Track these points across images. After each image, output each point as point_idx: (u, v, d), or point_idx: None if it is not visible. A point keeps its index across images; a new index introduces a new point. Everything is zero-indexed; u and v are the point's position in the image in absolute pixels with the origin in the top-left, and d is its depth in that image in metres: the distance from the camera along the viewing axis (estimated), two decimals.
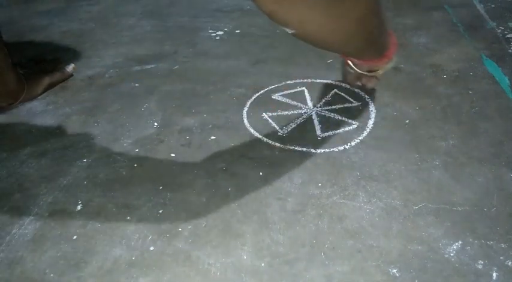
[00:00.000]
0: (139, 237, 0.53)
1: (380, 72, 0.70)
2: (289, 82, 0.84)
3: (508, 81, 0.78)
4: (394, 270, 0.47)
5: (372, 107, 0.75)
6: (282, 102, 0.78)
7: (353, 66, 0.70)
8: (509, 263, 0.47)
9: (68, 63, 0.92)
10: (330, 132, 0.69)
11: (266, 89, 0.82)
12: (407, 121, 0.70)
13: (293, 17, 0.40)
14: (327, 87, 0.81)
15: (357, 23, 0.45)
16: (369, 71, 0.70)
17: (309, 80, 0.84)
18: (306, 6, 0.38)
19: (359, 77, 0.74)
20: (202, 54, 0.96)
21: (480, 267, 0.47)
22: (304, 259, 0.49)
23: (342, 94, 0.79)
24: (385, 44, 0.62)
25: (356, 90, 0.80)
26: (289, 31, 0.43)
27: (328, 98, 0.78)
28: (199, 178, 0.62)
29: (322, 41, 0.48)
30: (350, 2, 0.41)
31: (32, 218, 0.58)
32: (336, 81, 0.83)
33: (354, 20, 0.44)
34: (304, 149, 0.66)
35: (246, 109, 0.77)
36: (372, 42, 0.56)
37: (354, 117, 0.72)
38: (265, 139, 0.69)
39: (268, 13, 0.39)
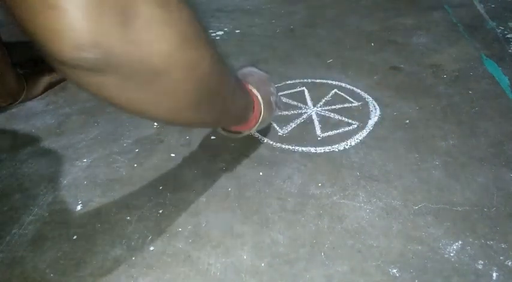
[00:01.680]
0: (139, 237, 0.53)
1: (246, 133, 0.63)
2: (289, 82, 0.84)
3: (508, 81, 0.78)
4: (394, 270, 0.47)
5: (372, 107, 0.75)
6: (282, 102, 0.78)
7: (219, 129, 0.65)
8: (509, 263, 0.47)
9: None
10: (330, 132, 0.69)
11: None
12: (407, 121, 0.70)
13: (93, 86, 0.30)
14: (327, 87, 0.81)
15: (189, 104, 0.37)
16: (235, 132, 0.64)
17: (309, 80, 0.84)
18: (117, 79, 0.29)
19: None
20: None
21: (480, 267, 0.47)
22: (304, 259, 0.49)
23: (342, 94, 0.79)
24: (242, 110, 0.54)
25: (356, 90, 0.80)
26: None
27: (328, 98, 0.78)
28: (199, 178, 0.62)
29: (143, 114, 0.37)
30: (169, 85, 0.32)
31: (32, 218, 0.58)
32: (336, 81, 0.83)
33: (184, 101, 0.36)
34: (304, 149, 0.66)
35: None
36: (220, 116, 0.48)
37: (354, 117, 0.72)
38: (265, 139, 0.69)
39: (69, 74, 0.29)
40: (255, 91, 0.57)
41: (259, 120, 0.59)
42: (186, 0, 0.31)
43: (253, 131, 0.63)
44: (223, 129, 0.64)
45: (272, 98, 0.61)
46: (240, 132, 0.63)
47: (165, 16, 0.28)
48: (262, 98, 0.58)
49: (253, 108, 0.57)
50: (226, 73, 0.42)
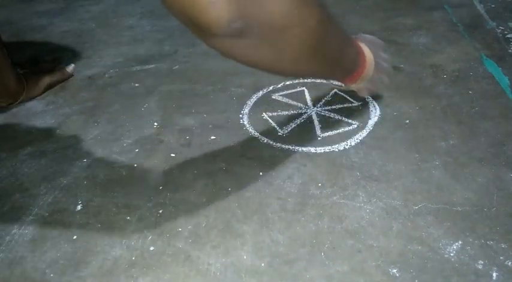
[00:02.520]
0: (139, 237, 0.53)
1: (357, 86, 0.65)
2: (289, 82, 0.84)
3: (508, 81, 0.78)
4: (394, 270, 0.47)
5: (372, 107, 0.75)
6: (282, 102, 0.78)
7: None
8: (509, 263, 0.47)
9: (68, 63, 0.92)
10: (330, 132, 0.69)
11: (266, 89, 0.82)
12: (407, 121, 0.70)
13: (238, 54, 0.41)
14: (327, 87, 0.81)
15: (308, 53, 0.44)
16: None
17: (309, 80, 0.84)
18: (250, 47, 0.39)
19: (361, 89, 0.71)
20: (202, 54, 0.96)
21: (480, 267, 0.47)
22: (304, 259, 0.49)
23: (342, 94, 0.79)
24: (350, 63, 0.58)
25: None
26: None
27: (328, 98, 0.78)
28: (199, 178, 0.62)
29: (274, 69, 0.47)
30: (293, 36, 0.40)
31: (32, 218, 0.58)
32: (336, 81, 0.83)
33: (303, 51, 0.43)
34: (304, 149, 0.66)
35: (246, 109, 0.77)
36: (332, 65, 0.54)
37: (354, 117, 0.72)
38: (265, 139, 0.69)
39: (214, 48, 0.39)
40: (365, 48, 0.61)
41: (362, 75, 0.61)
42: None
43: (354, 86, 0.64)
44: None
45: (381, 62, 0.64)
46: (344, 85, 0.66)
47: None
48: (370, 57, 0.61)
49: (361, 63, 0.60)
50: (336, 27, 0.48)
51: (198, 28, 0.35)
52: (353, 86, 0.64)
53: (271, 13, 0.36)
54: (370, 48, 0.62)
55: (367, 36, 0.66)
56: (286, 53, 0.42)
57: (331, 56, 0.50)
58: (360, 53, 0.59)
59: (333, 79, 0.65)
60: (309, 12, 0.39)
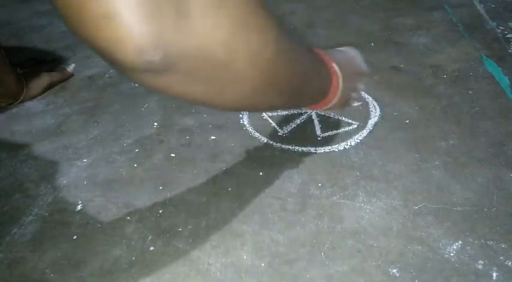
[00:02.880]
0: (139, 237, 0.53)
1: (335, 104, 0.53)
2: None
3: (508, 81, 0.78)
4: (394, 270, 0.47)
5: (371, 107, 0.75)
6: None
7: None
8: (509, 263, 0.47)
9: (69, 63, 0.92)
10: (330, 132, 0.69)
11: None
12: (407, 121, 0.70)
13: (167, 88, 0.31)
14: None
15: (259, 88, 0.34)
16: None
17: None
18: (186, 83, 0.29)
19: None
20: None
21: (480, 267, 0.47)
22: (304, 259, 0.49)
23: None
24: (318, 91, 0.47)
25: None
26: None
27: None
28: (199, 178, 0.62)
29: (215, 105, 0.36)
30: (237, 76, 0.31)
31: (32, 218, 0.58)
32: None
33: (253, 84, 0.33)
34: (304, 149, 0.66)
35: None
36: (295, 97, 0.43)
37: (354, 117, 0.72)
38: (265, 139, 0.69)
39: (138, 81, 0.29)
40: (336, 69, 0.48)
41: (333, 102, 0.50)
42: None
43: (323, 110, 0.54)
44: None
45: (350, 88, 0.52)
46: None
47: (217, 1, 0.27)
48: (340, 79, 0.49)
49: (331, 86, 0.48)
50: (297, 53, 0.38)
51: (105, 59, 0.26)
52: (322, 110, 0.52)
53: (201, 41, 0.26)
54: (341, 68, 0.49)
55: (340, 50, 0.54)
56: (229, 92, 0.33)
57: (292, 88, 0.40)
58: (330, 75, 0.47)
59: (297, 108, 0.57)
60: (258, 40, 0.30)
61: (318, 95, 0.47)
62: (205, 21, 0.26)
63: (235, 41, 0.28)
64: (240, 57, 0.30)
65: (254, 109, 0.48)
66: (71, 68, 0.91)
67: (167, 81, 0.28)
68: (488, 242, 0.50)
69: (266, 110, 0.62)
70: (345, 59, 0.52)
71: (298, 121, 0.73)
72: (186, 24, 0.25)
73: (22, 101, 0.82)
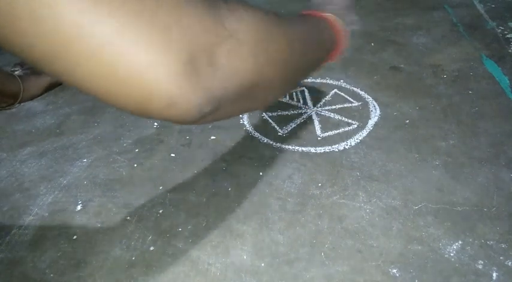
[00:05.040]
0: (139, 237, 0.53)
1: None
2: None
3: (508, 81, 0.78)
4: (394, 270, 0.47)
5: (372, 107, 0.75)
6: (282, 102, 0.78)
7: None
8: (509, 263, 0.47)
9: None
10: (330, 132, 0.69)
11: None
12: (407, 121, 0.70)
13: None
14: (327, 87, 0.81)
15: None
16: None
17: (309, 80, 0.84)
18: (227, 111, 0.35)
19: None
20: None
21: (480, 267, 0.47)
22: (304, 259, 0.49)
23: (342, 94, 0.79)
24: (324, 50, 0.54)
25: (356, 90, 0.80)
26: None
27: (328, 98, 0.78)
28: (199, 178, 0.62)
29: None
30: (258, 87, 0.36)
31: (32, 218, 0.58)
32: (336, 81, 0.83)
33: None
34: (304, 149, 0.66)
35: None
36: (315, 60, 0.50)
37: (354, 117, 0.72)
38: (265, 139, 0.69)
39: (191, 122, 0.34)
40: (330, 16, 0.55)
41: (341, 46, 0.56)
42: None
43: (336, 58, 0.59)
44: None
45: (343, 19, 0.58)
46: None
47: (235, 45, 0.31)
48: (338, 20, 0.55)
49: (336, 35, 0.55)
50: (303, 34, 0.44)
51: (174, 122, 0.31)
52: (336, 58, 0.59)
53: (234, 77, 0.31)
54: (331, 12, 0.57)
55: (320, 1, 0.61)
56: (268, 94, 0.39)
57: (310, 57, 0.47)
58: (330, 27, 0.54)
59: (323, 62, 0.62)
60: (274, 50, 0.36)
61: (331, 45, 0.54)
62: (231, 61, 0.31)
63: (258, 62, 0.33)
64: (265, 69, 0.35)
65: (290, 90, 0.55)
66: None
67: (219, 114, 0.34)
68: (488, 242, 0.50)
69: (302, 79, 0.67)
70: (328, 2, 0.59)
71: (298, 121, 0.73)
72: (219, 70, 0.29)
73: (22, 101, 0.82)
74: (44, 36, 0.23)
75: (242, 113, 0.42)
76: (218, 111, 0.33)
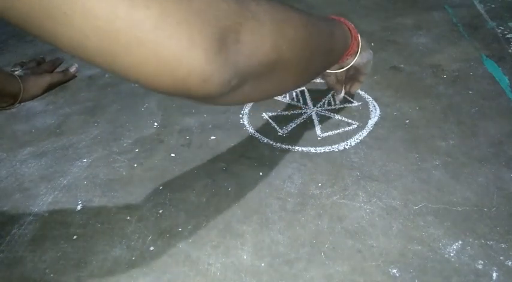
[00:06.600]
0: (139, 237, 0.53)
1: (350, 63, 0.65)
2: None
3: (508, 81, 0.78)
4: (394, 270, 0.47)
5: (372, 107, 0.75)
6: (282, 102, 0.78)
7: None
8: (509, 263, 0.47)
9: (70, 64, 0.92)
10: (330, 132, 0.69)
11: None
12: (407, 121, 0.70)
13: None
14: (327, 87, 0.81)
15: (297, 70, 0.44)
16: (340, 68, 0.67)
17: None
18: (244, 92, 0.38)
19: (340, 81, 0.73)
20: None
21: (480, 267, 0.47)
22: (304, 259, 0.49)
23: (342, 94, 0.79)
24: (337, 49, 0.57)
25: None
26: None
27: (328, 98, 0.78)
28: (199, 178, 0.62)
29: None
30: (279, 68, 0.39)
31: (32, 218, 0.58)
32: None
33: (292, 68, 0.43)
34: (304, 149, 0.66)
35: (246, 109, 0.77)
36: (330, 57, 0.54)
37: (354, 117, 0.72)
38: (265, 139, 0.69)
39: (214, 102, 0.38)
40: (349, 24, 0.60)
41: (359, 48, 0.62)
42: None
43: (358, 60, 0.65)
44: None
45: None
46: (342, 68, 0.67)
47: (257, 23, 0.34)
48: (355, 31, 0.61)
49: (351, 34, 0.60)
50: (316, 23, 0.47)
51: (200, 100, 0.35)
52: (348, 63, 0.65)
53: (256, 53, 0.35)
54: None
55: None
56: (289, 75, 0.42)
57: (325, 47, 0.50)
58: (345, 29, 0.58)
59: (336, 62, 0.65)
60: (291, 32, 0.39)
61: (345, 40, 0.58)
62: (254, 39, 0.34)
63: (276, 41, 0.37)
64: (283, 48, 0.38)
65: (307, 81, 0.58)
66: (73, 68, 0.91)
67: (242, 93, 0.37)
68: (488, 242, 0.50)
69: (318, 74, 0.69)
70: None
71: (298, 121, 0.73)
72: (243, 46, 0.33)
73: (22, 101, 0.82)
74: (98, 29, 0.25)
75: (265, 97, 0.46)
76: (244, 88, 0.36)
